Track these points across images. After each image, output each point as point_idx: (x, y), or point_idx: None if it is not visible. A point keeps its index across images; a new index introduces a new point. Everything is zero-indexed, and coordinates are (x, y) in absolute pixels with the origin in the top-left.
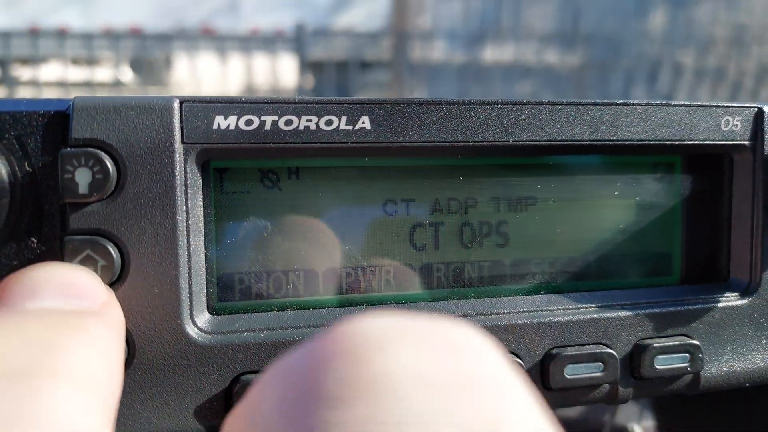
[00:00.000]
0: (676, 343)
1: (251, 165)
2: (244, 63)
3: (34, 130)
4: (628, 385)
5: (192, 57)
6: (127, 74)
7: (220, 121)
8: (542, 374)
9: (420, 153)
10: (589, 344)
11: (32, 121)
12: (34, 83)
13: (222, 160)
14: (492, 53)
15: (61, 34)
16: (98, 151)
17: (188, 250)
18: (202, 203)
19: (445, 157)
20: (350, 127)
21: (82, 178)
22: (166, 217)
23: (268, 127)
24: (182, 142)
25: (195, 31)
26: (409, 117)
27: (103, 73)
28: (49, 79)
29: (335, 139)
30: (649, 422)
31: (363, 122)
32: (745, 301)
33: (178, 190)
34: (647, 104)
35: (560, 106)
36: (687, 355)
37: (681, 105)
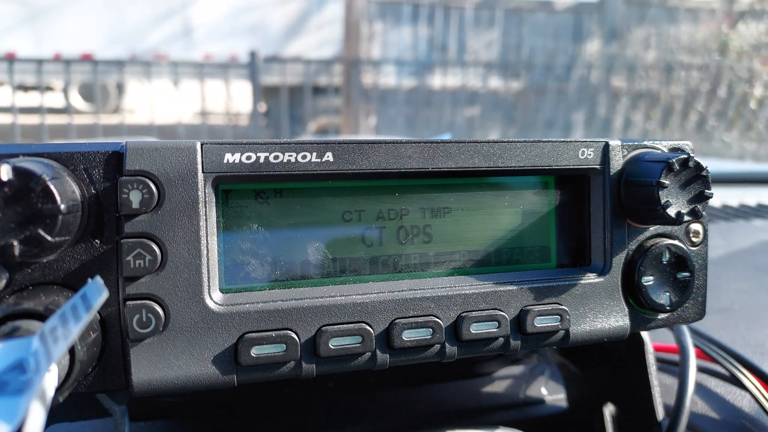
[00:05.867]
0: (550, 308)
1: (248, 187)
2: (198, 89)
3: (98, 164)
4: (516, 339)
5: (145, 83)
6: (77, 100)
7: (229, 157)
8: (455, 331)
9: (368, 177)
10: (488, 310)
11: (96, 158)
12: None
13: (228, 184)
14: (439, 79)
15: (9, 60)
16: (145, 179)
17: (207, 247)
18: (215, 214)
19: (386, 179)
20: (319, 160)
21: (135, 197)
22: (192, 224)
23: (261, 160)
24: (203, 171)
25: (147, 58)
26: (360, 152)
27: (53, 99)
28: None
29: (308, 169)
30: (554, 387)
31: (328, 156)
32: (601, 279)
33: (200, 205)
34: (524, 141)
35: (464, 144)
36: (558, 316)
37: (549, 141)
